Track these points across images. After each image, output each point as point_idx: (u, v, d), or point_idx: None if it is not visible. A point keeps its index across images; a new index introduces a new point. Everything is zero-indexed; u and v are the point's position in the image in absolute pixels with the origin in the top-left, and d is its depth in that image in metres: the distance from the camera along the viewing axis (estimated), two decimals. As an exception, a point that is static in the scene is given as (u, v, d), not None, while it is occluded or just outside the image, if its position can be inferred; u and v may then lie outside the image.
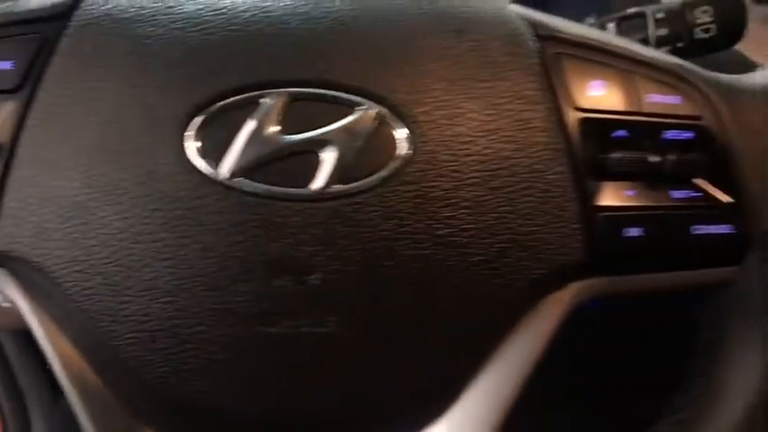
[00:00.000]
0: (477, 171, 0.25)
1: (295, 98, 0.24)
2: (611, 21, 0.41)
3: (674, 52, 0.40)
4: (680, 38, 0.40)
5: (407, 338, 0.24)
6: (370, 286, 0.24)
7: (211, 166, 0.24)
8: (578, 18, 0.46)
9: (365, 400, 0.25)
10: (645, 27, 0.40)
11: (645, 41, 0.40)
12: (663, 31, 0.40)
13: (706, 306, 0.30)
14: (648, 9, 0.40)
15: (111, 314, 0.24)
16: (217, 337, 0.24)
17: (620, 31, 0.41)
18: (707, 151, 0.27)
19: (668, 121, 0.27)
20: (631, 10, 0.41)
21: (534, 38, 0.27)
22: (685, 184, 0.27)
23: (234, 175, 0.24)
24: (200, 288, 0.24)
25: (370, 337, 0.24)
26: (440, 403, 0.26)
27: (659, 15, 0.40)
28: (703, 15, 0.39)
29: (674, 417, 0.30)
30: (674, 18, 0.39)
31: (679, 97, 0.27)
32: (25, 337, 0.89)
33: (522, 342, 0.26)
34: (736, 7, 0.39)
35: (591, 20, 0.42)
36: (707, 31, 0.39)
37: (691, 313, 0.31)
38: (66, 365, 0.24)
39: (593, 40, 0.27)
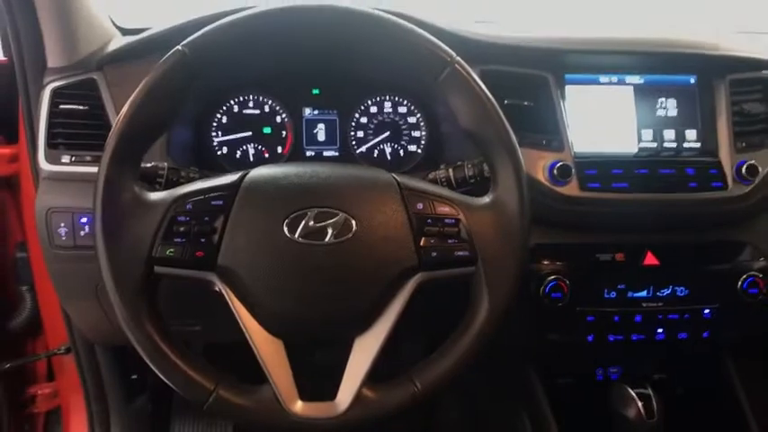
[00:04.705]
0: (379, 237, 0.75)
1: (319, 211, 0.75)
2: (450, 167, 0.94)
3: (476, 182, 0.92)
4: (476, 176, 0.92)
5: (352, 292, 0.75)
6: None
7: (292, 235, 0.74)
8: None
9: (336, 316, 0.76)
10: (464, 170, 0.93)
11: (465, 177, 0.93)
12: (470, 172, 0.92)
13: (470, 284, 0.80)
14: (465, 163, 0.93)
15: (271, 302, 0.74)
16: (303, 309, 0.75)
17: (455, 172, 0.93)
18: (461, 230, 0.78)
19: (445, 218, 0.78)
20: (459, 163, 0.93)
21: (399, 187, 0.78)
22: (455, 239, 0.78)
23: (300, 237, 0.74)
24: (294, 294, 0.74)
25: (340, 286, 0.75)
26: (368, 324, 0.76)
27: (468, 166, 0.92)
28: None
29: (456, 331, 0.80)
30: (474, 168, 0.92)
31: (447, 209, 0.78)
32: (113, 352, 1.28)
33: (398, 303, 0.76)
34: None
35: (442, 166, 0.95)
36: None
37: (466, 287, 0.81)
38: (250, 326, 0.75)
39: (421, 188, 0.78)
